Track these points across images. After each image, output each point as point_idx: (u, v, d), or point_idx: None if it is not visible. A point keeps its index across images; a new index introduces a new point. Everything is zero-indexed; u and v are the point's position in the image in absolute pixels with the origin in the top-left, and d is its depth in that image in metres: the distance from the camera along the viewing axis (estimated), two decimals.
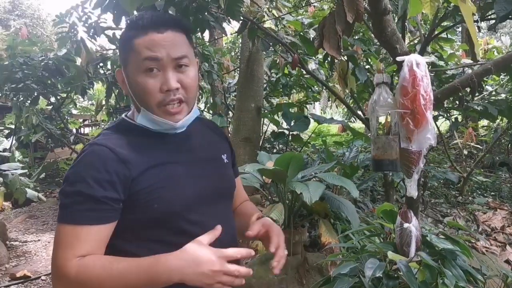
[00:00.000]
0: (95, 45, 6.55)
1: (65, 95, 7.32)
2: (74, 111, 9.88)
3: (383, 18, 1.44)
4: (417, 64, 1.23)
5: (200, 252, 0.95)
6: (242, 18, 4.72)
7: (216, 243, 1.03)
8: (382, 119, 1.60)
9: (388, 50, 1.57)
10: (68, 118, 8.84)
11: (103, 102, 8.26)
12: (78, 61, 6.55)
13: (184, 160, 1.11)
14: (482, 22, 4.05)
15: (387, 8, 1.42)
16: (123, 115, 1.17)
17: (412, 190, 1.37)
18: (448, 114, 6.56)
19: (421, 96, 1.22)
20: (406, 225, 1.48)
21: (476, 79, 1.47)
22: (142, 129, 1.10)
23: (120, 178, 0.99)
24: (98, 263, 0.96)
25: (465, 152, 7.08)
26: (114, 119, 8.30)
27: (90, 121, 11.32)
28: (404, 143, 1.30)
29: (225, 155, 1.24)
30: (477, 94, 5.81)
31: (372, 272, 1.32)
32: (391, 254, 1.44)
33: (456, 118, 6.68)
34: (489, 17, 3.25)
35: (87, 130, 11.28)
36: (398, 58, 1.31)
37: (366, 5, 1.54)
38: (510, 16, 2.99)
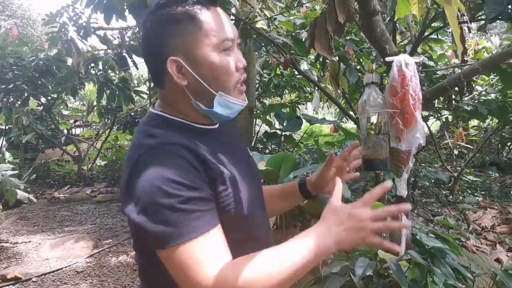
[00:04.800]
0: (86, 45, 6.53)
1: (56, 95, 7.29)
2: (65, 112, 9.84)
3: (372, 19, 1.45)
4: (406, 64, 1.25)
5: (354, 210, 0.91)
6: (234, 18, 4.73)
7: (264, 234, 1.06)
8: (373, 119, 1.61)
9: (377, 50, 1.59)
10: (59, 119, 8.80)
11: (95, 103, 8.23)
12: (69, 61, 6.52)
13: (232, 158, 1.02)
14: (472, 23, 4.09)
15: (376, 9, 1.44)
16: (152, 110, 1.04)
17: (402, 189, 1.39)
18: (439, 114, 6.62)
19: (410, 96, 1.23)
20: None
21: (464, 79, 1.49)
22: (185, 125, 1.00)
23: (208, 177, 0.91)
24: (255, 257, 0.87)
25: (456, 152, 7.13)
26: (106, 119, 8.27)
27: (81, 121, 11.27)
28: (393, 143, 1.32)
29: (248, 147, 1.20)
30: (467, 94, 5.87)
31: (363, 270, 1.34)
32: (381, 253, 1.45)
33: (446, 118, 6.73)
34: (479, 18, 3.30)
35: (78, 131, 11.22)
36: (387, 59, 1.32)
37: (356, 6, 1.55)
38: (500, 17, 3.03)
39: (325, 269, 1.53)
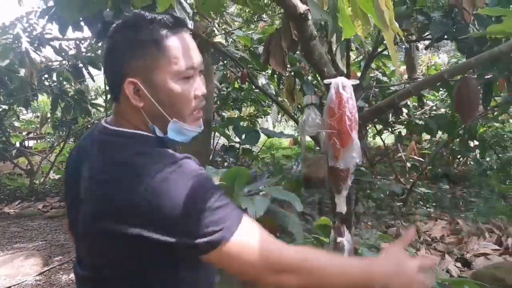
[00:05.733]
0: (40, 56, 6.38)
1: (7, 107, 7.06)
2: (17, 124, 9.53)
3: (310, 44, 1.51)
4: (343, 87, 1.31)
5: (405, 261, 0.96)
6: (191, 32, 4.75)
7: None
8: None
9: (317, 73, 1.65)
10: (11, 131, 8.51)
11: (48, 115, 8.01)
12: (22, 72, 6.34)
13: None
14: (420, 42, 4.28)
15: (312, 34, 1.50)
16: (111, 127, 1.02)
17: (342, 206, 1.44)
18: (393, 128, 6.84)
19: (347, 117, 1.29)
20: (339, 239, 1.55)
21: (397, 100, 1.57)
22: (161, 140, 1.01)
23: None
24: (314, 251, 0.98)
25: (409, 164, 7.36)
26: (61, 132, 8.07)
27: (34, 134, 10.92)
28: (331, 162, 1.37)
29: None
30: (418, 109, 6.11)
31: None
32: None
33: (399, 132, 6.96)
34: (426, 37, 3.46)
35: (31, 143, 10.87)
36: (325, 81, 1.38)
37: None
38: (445, 37, 3.20)
39: None
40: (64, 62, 6.36)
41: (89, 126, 8.60)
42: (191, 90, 0.97)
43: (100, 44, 5.79)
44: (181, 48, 0.94)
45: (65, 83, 6.74)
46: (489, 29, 1.28)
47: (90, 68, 6.11)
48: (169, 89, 0.94)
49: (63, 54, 6.07)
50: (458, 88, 1.61)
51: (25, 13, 5.49)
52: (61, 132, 8.01)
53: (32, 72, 5.84)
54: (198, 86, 0.99)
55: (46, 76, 6.44)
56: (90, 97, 8.38)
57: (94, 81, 6.75)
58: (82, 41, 6.44)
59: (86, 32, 4.12)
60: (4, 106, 6.98)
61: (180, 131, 0.99)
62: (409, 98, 5.98)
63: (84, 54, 6.17)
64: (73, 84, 6.98)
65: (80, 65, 6.15)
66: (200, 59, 0.99)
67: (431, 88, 4.52)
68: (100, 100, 9.10)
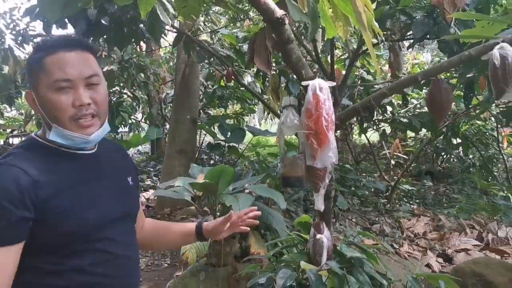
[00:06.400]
0: (24, 53, 6.32)
1: None
2: (1, 121, 9.42)
3: (287, 47, 1.54)
4: (320, 89, 1.34)
5: None
6: (177, 31, 4.76)
7: (125, 259, 1.14)
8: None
9: (295, 75, 1.68)
10: None
11: (33, 112, 7.94)
12: (5, 69, 6.28)
13: (92, 181, 1.15)
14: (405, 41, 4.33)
15: (290, 38, 1.53)
16: (32, 134, 1.18)
17: (320, 204, 1.47)
18: (377, 126, 6.92)
19: (324, 118, 1.33)
20: (318, 236, 1.59)
21: (373, 102, 1.61)
22: (52, 148, 1.12)
23: (32, 198, 1.01)
24: None
25: (393, 162, 7.46)
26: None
27: (19, 131, 10.81)
28: (309, 161, 1.40)
29: (130, 177, 1.29)
30: (402, 107, 6.19)
31: (283, 281, 1.41)
32: (303, 264, 1.53)
33: (384, 130, 7.04)
34: (408, 37, 3.51)
35: (16, 140, 10.75)
36: (303, 83, 1.41)
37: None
38: (427, 37, 3.25)
39: (251, 280, 1.59)
40: None
41: None
42: (67, 98, 1.07)
43: None
44: (56, 64, 1.07)
45: None
46: (462, 33, 1.32)
47: None
48: (46, 99, 1.08)
49: None
50: (429, 91, 1.66)
51: (9, 9, 5.43)
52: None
53: (16, 69, 5.79)
54: (78, 97, 1.08)
55: None
56: None
57: None
58: None
59: (71, 29, 4.10)
60: None
61: (63, 136, 1.10)
62: (394, 97, 6.06)
63: None
64: None
65: None
66: (81, 73, 1.09)
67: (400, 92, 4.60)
68: None
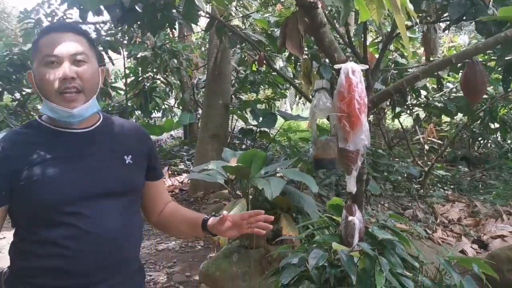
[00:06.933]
0: None
1: (30, 90, 7.22)
2: (40, 107, 9.72)
3: (320, 31, 1.55)
4: (353, 72, 1.35)
5: None
6: (209, 16, 4.79)
7: (100, 238, 1.16)
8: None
9: (328, 58, 1.69)
10: (34, 114, 8.71)
11: None
12: None
13: (74, 158, 1.20)
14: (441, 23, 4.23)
15: (322, 21, 1.53)
16: (36, 117, 1.28)
17: (352, 186, 1.49)
18: (411, 111, 6.80)
19: (356, 101, 1.33)
20: (350, 218, 1.61)
21: (406, 85, 1.60)
22: (47, 127, 1.22)
23: (2, 170, 1.13)
24: None
25: (427, 147, 7.32)
26: None
27: None
28: (341, 143, 1.42)
29: (130, 156, 1.30)
30: (437, 91, 6.05)
31: (316, 261, 1.44)
32: (335, 245, 1.56)
33: (417, 115, 6.91)
34: (444, 19, 3.43)
35: None
36: (336, 66, 1.42)
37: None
38: (464, 18, 3.17)
39: (283, 260, 1.63)
40: None
41: (109, 108, 8.74)
42: (53, 72, 1.16)
43: (119, 28, 5.88)
44: (47, 42, 1.18)
45: None
46: (499, 11, 1.30)
47: (110, 52, 6.21)
48: (37, 73, 1.18)
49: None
50: (464, 73, 1.63)
51: None
52: None
53: None
54: (62, 70, 1.16)
55: None
56: (110, 81, 8.53)
57: (114, 64, 6.86)
58: (102, 25, 6.53)
59: (106, 16, 4.19)
60: (28, 90, 7.14)
61: (49, 108, 1.18)
62: (428, 80, 5.93)
63: (103, 38, 6.26)
64: None
65: (100, 48, 6.25)
66: (67, 50, 1.18)
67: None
68: (120, 83, 9.25)
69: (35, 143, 1.19)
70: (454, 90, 6.23)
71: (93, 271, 1.16)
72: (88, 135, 1.24)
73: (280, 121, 6.23)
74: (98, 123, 1.28)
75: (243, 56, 6.55)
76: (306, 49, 4.42)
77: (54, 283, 1.15)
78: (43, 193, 1.13)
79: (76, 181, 1.17)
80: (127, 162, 1.28)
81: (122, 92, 8.01)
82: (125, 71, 7.16)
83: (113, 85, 8.02)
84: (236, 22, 5.30)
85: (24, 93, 7.17)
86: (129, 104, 8.02)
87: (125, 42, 6.73)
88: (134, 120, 10.06)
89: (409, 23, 4.02)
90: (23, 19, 5.73)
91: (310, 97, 5.45)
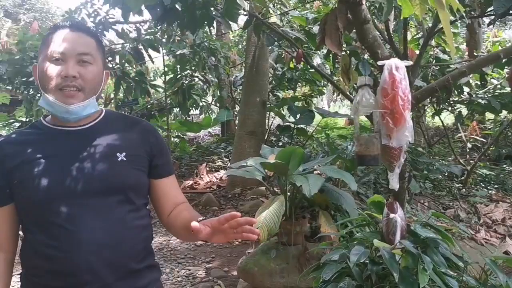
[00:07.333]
0: (104, 39, 6.66)
1: None
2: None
3: (363, 27, 1.54)
4: (397, 68, 1.34)
5: None
6: (247, 13, 4.82)
7: (97, 239, 1.14)
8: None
9: (371, 55, 1.67)
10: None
11: (112, 96, 8.41)
12: None
13: (63, 156, 1.20)
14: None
15: (366, 18, 1.52)
16: (41, 117, 1.31)
17: (394, 183, 1.48)
18: (452, 108, 6.62)
19: (400, 97, 1.32)
20: (392, 215, 1.59)
21: (452, 80, 1.57)
22: (48, 127, 1.25)
23: (2, 170, 1.18)
24: None
25: (469, 145, 7.12)
26: (122, 112, 8.45)
27: None
28: (384, 140, 1.41)
29: (124, 153, 1.24)
30: (480, 87, 5.86)
31: (357, 258, 1.44)
32: (376, 242, 1.55)
33: (460, 112, 6.72)
34: (489, 13, 3.32)
35: None
36: (379, 63, 1.41)
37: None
38: (510, 12, 3.06)
39: (324, 256, 1.63)
40: (126, 45, 6.63)
41: (148, 106, 8.94)
42: (56, 68, 1.18)
43: (159, 27, 5.99)
44: (55, 39, 1.21)
45: (126, 65, 7.03)
46: None
47: (150, 51, 6.35)
48: (41, 68, 1.20)
49: (124, 37, 6.33)
50: (511, 69, 1.58)
51: None
52: (123, 112, 8.37)
53: None
54: (65, 68, 1.18)
55: (110, 58, 6.73)
56: (149, 78, 8.71)
57: (153, 62, 7.00)
58: (142, 24, 6.68)
59: (146, 15, 4.28)
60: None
61: (49, 104, 1.19)
62: (471, 77, 5.75)
63: (144, 37, 6.41)
64: (134, 66, 7.26)
65: (141, 47, 6.40)
66: (73, 48, 1.20)
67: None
68: (159, 81, 9.43)
69: (31, 142, 1.22)
70: (499, 86, 6.02)
71: (81, 272, 1.12)
72: (83, 133, 1.24)
73: (317, 118, 6.20)
74: (97, 121, 1.28)
75: (280, 53, 6.55)
76: (344, 45, 4.38)
77: (54, 283, 1.16)
78: (31, 192, 1.15)
79: (63, 180, 1.16)
80: (119, 159, 1.23)
81: (161, 90, 8.17)
82: (164, 69, 7.29)
83: (152, 83, 8.18)
84: (273, 19, 5.30)
85: None
86: (168, 101, 8.17)
87: (164, 40, 6.84)
88: (172, 118, 10.24)
89: (453, 18, 3.93)
90: (66, 19, 5.93)
91: (348, 94, 5.40)
